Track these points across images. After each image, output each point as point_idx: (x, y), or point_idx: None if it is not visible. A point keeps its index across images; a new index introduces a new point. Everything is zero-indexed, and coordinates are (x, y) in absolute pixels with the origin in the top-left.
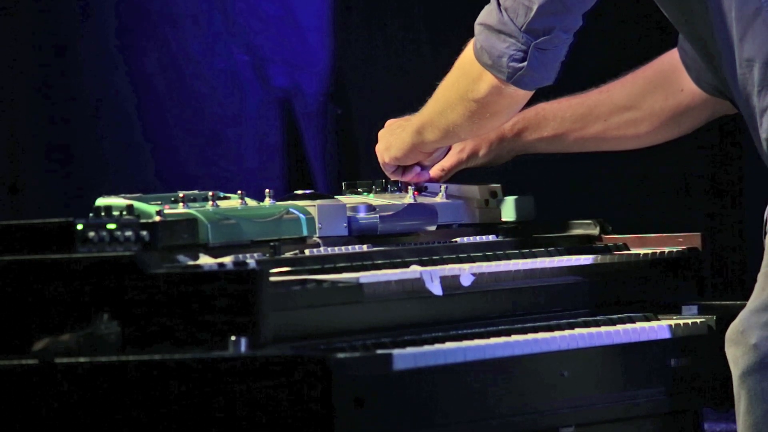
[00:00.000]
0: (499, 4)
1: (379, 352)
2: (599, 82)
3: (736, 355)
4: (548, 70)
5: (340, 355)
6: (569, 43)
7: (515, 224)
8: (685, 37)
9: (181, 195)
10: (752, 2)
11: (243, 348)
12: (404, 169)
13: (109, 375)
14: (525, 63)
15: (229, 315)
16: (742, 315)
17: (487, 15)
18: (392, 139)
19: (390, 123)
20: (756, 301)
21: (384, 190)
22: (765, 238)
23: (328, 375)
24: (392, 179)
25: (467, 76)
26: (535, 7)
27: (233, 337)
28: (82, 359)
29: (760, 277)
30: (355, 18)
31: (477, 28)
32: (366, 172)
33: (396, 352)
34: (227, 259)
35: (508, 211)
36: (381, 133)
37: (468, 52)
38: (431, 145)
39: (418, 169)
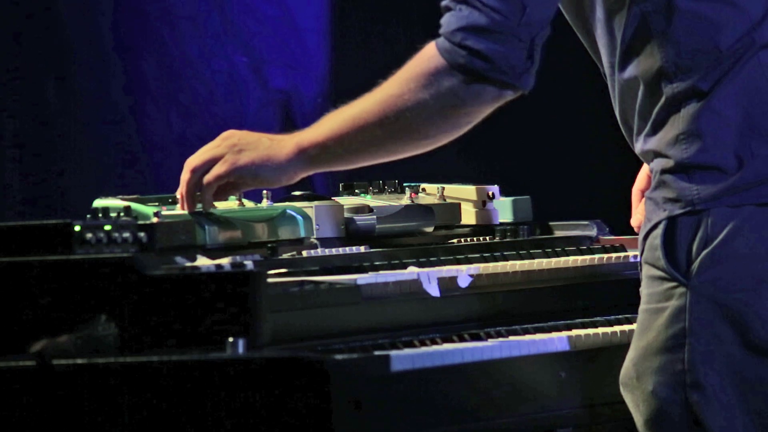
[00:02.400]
0: (483, 5)
1: (377, 353)
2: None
3: (636, 402)
4: (535, 66)
5: (338, 357)
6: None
7: (513, 225)
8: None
9: (178, 196)
10: (643, 28)
11: (241, 349)
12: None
13: (106, 376)
14: (534, 64)
15: (227, 316)
16: (631, 359)
17: (467, 18)
18: (253, 154)
19: (235, 133)
20: (642, 342)
21: (381, 191)
22: (640, 267)
23: (325, 376)
24: (185, 199)
25: (434, 88)
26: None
27: (231, 339)
28: (79, 361)
29: (640, 314)
30: (353, 19)
31: (457, 35)
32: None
33: (394, 353)
34: (225, 261)
35: (505, 212)
36: (224, 137)
37: (427, 63)
38: (319, 169)
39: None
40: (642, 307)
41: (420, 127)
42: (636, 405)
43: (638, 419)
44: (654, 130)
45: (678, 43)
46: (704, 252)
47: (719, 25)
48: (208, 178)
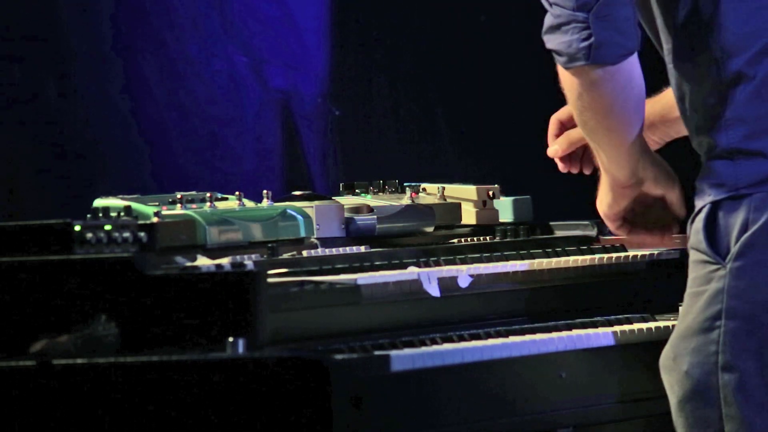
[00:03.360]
0: (548, 3)
1: (377, 353)
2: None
3: (671, 382)
4: (622, 35)
5: (338, 357)
6: (632, 3)
7: (513, 225)
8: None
9: (178, 196)
10: (697, 16)
11: (241, 349)
12: (627, 220)
13: (106, 376)
14: (592, 37)
15: (227, 316)
16: (671, 340)
17: (545, 21)
18: (600, 191)
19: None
20: (682, 325)
21: (381, 191)
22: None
23: (326, 376)
24: (626, 236)
25: (566, 87)
26: None
27: (231, 339)
28: (79, 360)
29: (686, 297)
30: (353, 19)
31: (544, 38)
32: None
33: (394, 353)
34: (225, 261)
35: (505, 211)
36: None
37: (560, 75)
38: (618, 173)
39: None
40: (686, 291)
41: (599, 123)
42: (671, 386)
43: (672, 400)
44: (704, 118)
45: (726, 28)
46: (744, 236)
47: (766, 9)
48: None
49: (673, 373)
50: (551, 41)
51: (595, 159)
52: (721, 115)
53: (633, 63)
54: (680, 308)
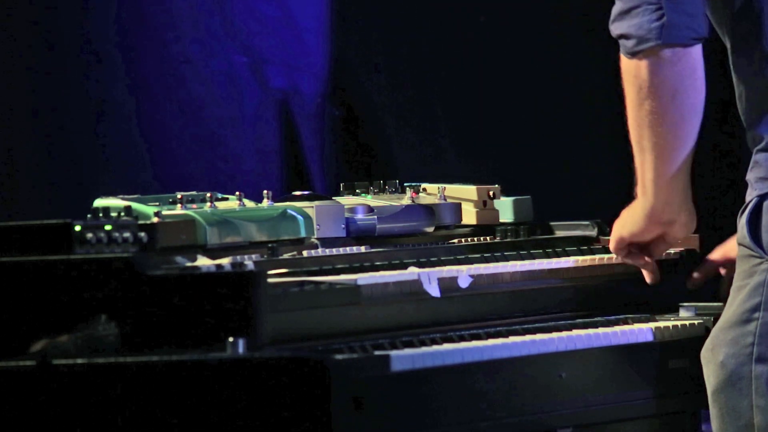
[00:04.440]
0: None
1: (377, 353)
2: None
3: (708, 373)
4: (692, 18)
5: (338, 357)
6: None
7: (513, 225)
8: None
9: (179, 196)
10: (752, 13)
11: (241, 349)
12: (639, 253)
13: (106, 376)
14: (665, 17)
15: (227, 316)
16: (712, 332)
17: (614, 10)
18: (626, 215)
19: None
20: (724, 317)
21: (381, 191)
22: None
23: (326, 376)
24: (622, 259)
25: (629, 79)
26: None
27: (231, 339)
28: (79, 360)
29: (731, 291)
30: (352, 19)
31: (612, 27)
32: (364, 174)
33: (394, 353)
34: (225, 261)
35: (505, 212)
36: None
37: (621, 67)
38: (658, 200)
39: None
40: (732, 285)
41: (660, 115)
42: (707, 377)
43: (708, 390)
44: (755, 113)
45: None
46: None
47: None
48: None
49: (710, 364)
50: (620, 27)
51: (636, 186)
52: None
53: (698, 55)
54: (681, 309)
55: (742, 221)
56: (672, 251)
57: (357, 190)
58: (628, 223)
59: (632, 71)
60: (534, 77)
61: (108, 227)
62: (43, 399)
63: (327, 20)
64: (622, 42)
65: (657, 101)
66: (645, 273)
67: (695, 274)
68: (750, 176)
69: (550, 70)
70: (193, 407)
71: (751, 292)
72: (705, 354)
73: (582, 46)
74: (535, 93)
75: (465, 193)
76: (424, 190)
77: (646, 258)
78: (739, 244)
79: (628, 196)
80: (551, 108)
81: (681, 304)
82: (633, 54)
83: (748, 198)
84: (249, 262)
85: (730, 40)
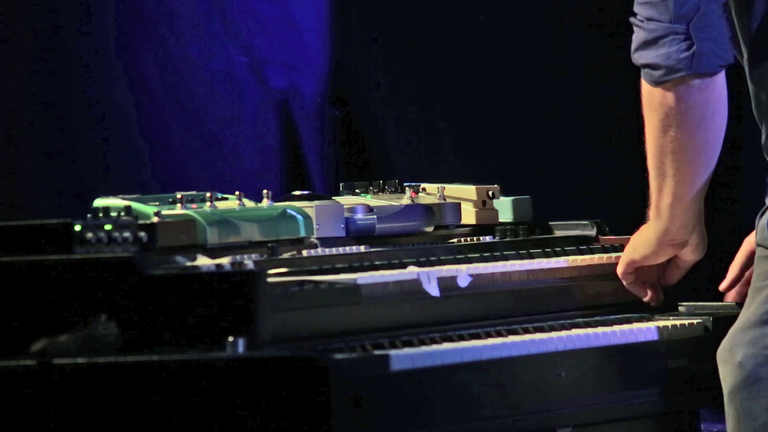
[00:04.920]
0: (640, 20)
1: (377, 352)
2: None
3: (725, 374)
4: (720, 46)
5: (338, 356)
6: (723, 15)
7: (512, 225)
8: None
9: (179, 196)
10: None
11: (241, 349)
12: (644, 280)
13: (107, 376)
14: (694, 47)
15: (227, 316)
16: (730, 333)
17: (637, 38)
18: (637, 239)
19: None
20: (742, 318)
21: (381, 191)
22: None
23: (325, 376)
24: (627, 284)
25: (654, 106)
26: None
27: (231, 338)
28: (80, 360)
29: (749, 292)
30: (352, 19)
31: (635, 56)
32: (364, 173)
33: (393, 352)
34: (225, 260)
35: (505, 211)
36: (631, 239)
37: (643, 93)
38: (673, 223)
39: (642, 288)
40: (750, 286)
41: (685, 142)
42: (725, 377)
43: (725, 390)
44: None
45: None
46: None
47: None
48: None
49: (727, 365)
50: (645, 56)
51: (650, 209)
52: None
53: (723, 80)
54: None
55: (762, 223)
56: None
57: (357, 190)
58: (640, 246)
59: (657, 99)
60: (534, 77)
61: (108, 227)
62: (44, 398)
63: (327, 20)
64: (647, 71)
65: (683, 128)
66: (649, 299)
67: (726, 284)
68: None
69: (549, 70)
70: (193, 407)
71: None
72: (722, 354)
73: (582, 46)
74: (534, 93)
75: (464, 192)
76: (424, 190)
77: (649, 291)
78: (759, 245)
79: (628, 196)
80: (551, 108)
81: (680, 303)
82: (659, 83)
83: (766, 200)
84: (249, 261)
85: (748, 49)
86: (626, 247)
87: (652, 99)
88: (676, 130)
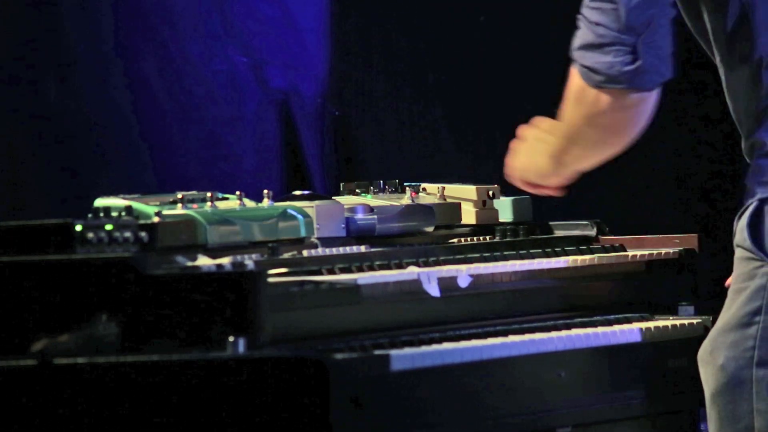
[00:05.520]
0: (589, 22)
1: (377, 352)
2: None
3: (706, 376)
4: (663, 63)
5: (338, 356)
6: (671, 32)
7: (513, 225)
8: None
9: (179, 196)
10: (742, 17)
11: (241, 349)
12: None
13: (107, 376)
14: (639, 61)
15: (228, 316)
16: (710, 334)
17: (581, 37)
18: (529, 164)
19: (527, 134)
20: (722, 319)
21: (381, 191)
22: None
23: (326, 376)
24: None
25: (584, 103)
26: (623, 8)
27: (231, 338)
28: (80, 360)
29: (729, 293)
30: (352, 20)
31: (575, 54)
32: (364, 174)
33: (393, 352)
34: (225, 260)
35: (505, 211)
36: (517, 148)
37: (574, 83)
38: (572, 169)
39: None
40: (730, 288)
41: (602, 141)
42: (706, 379)
43: (707, 392)
44: (754, 121)
45: (765, 35)
46: None
47: None
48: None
49: (708, 367)
50: (588, 59)
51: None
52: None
53: (657, 95)
54: (681, 309)
55: (741, 224)
56: (671, 251)
57: (357, 190)
58: (529, 173)
59: (590, 99)
60: (533, 77)
61: (109, 227)
62: (44, 398)
63: (327, 20)
64: (586, 72)
65: (606, 132)
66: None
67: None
68: (749, 180)
69: (549, 70)
70: (193, 407)
71: (751, 296)
72: (703, 356)
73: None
74: (534, 93)
75: (464, 193)
76: (424, 190)
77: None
78: (738, 247)
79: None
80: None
81: (680, 303)
82: (597, 87)
83: (747, 201)
84: (249, 261)
85: (723, 56)
86: (513, 164)
87: (584, 96)
88: (598, 130)
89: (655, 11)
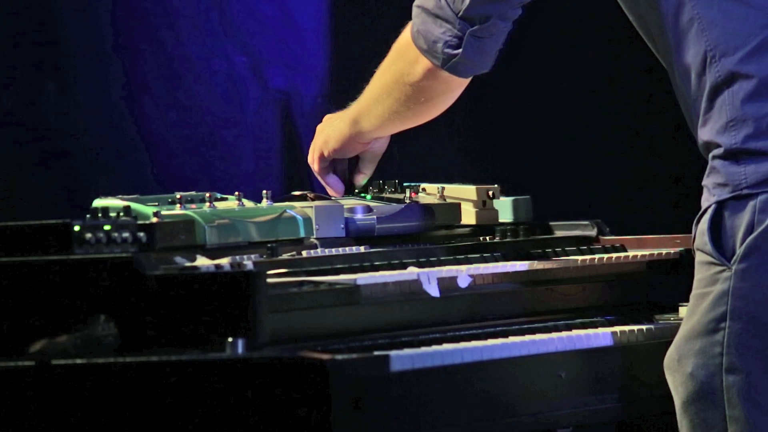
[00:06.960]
0: None
1: (377, 353)
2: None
3: (675, 384)
4: (484, 58)
5: (338, 357)
6: (507, 31)
7: (513, 225)
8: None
9: (178, 196)
10: (686, 13)
11: (240, 349)
12: (335, 168)
13: (106, 376)
14: (460, 50)
15: (227, 316)
16: (676, 341)
17: None
18: (330, 132)
19: (328, 117)
20: (687, 326)
21: (381, 191)
22: (694, 254)
23: (325, 376)
24: (318, 175)
25: (404, 59)
26: None
27: (231, 339)
28: (79, 361)
29: (691, 298)
30: (352, 19)
31: (414, 10)
32: None
33: (393, 353)
34: (224, 261)
35: (505, 211)
36: (319, 128)
37: (405, 35)
38: (369, 135)
39: (337, 179)
40: (692, 292)
41: (408, 95)
42: (675, 387)
43: (677, 401)
44: (706, 121)
45: (718, 27)
46: (750, 237)
47: (758, 6)
48: (311, 164)
49: (677, 375)
50: (421, 22)
51: (354, 107)
52: (723, 118)
53: (468, 80)
54: (681, 309)
55: (701, 227)
56: (672, 251)
57: (356, 190)
58: (332, 140)
59: (409, 57)
60: (533, 77)
61: (107, 227)
62: (43, 399)
63: (327, 20)
64: (416, 33)
65: (406, 98)
66: (336, 191)
67: None
68: (707, 182)
69: (549, 70)
70: (192, 407)
71: (715, 301)
72: (670, 364)
73: (582, 45)
74: (534, 93)
75: (464, 193)
76: (424, 190)
77: (339, 182)
78: (699, 250)
79: (628, 196)
80: (551, 108)
81: (681, 304)
82: (420, 51)
83: (705, 204)
84: (248, 262)
85: (670, 57)
86: (317, 138)
87: (407, 52)
88: (405, 92)
89: (499, 8)
